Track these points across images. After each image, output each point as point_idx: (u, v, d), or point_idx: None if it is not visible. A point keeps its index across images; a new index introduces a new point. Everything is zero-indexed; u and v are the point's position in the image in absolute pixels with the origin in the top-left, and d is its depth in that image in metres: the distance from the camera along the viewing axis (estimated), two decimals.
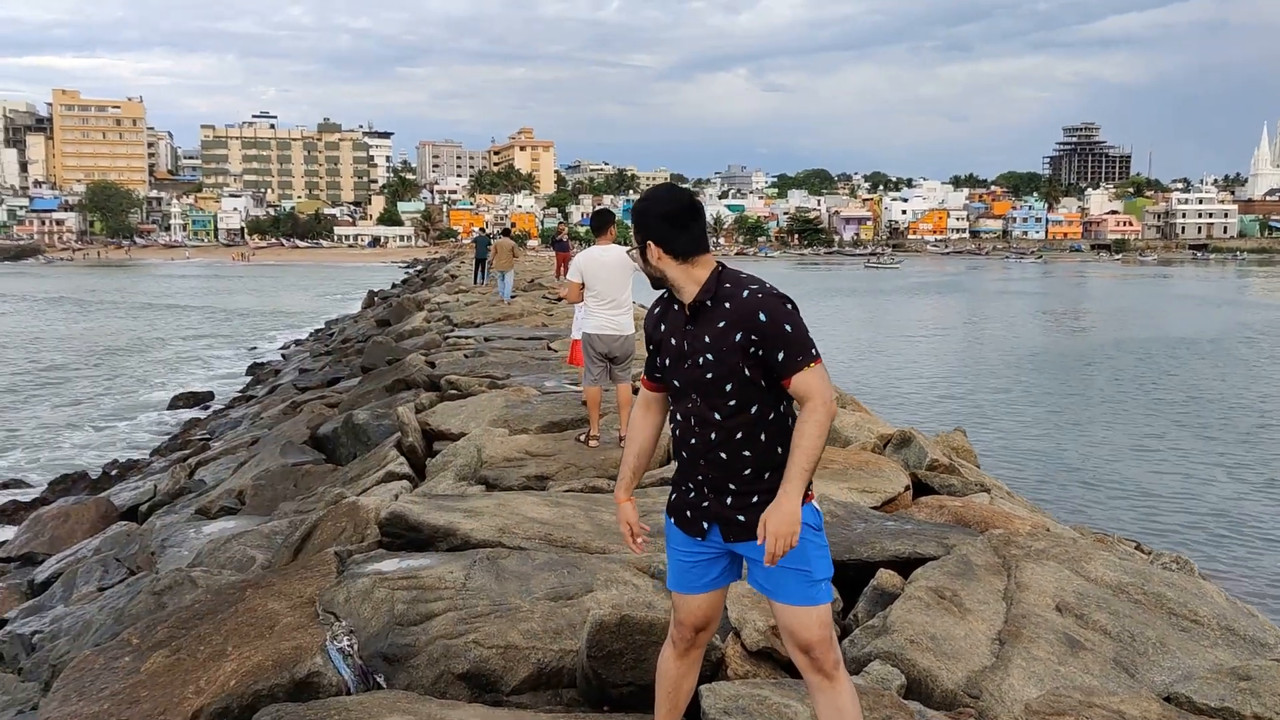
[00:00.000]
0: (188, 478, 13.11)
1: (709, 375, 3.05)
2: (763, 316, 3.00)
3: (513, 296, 25.29)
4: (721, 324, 3.04)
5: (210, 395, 25.19)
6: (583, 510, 6.39)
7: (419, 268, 78.95)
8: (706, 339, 3.05)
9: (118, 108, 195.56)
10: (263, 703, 4.21)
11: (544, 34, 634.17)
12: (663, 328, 3.20)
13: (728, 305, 3.05)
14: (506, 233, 30.64)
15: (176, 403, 24.43)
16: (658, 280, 3.20)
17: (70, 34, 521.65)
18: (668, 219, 3.13)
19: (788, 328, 3.02)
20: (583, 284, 8.31)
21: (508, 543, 5.76)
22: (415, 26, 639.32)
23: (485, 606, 4.88)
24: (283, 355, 32.70)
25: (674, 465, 3.35)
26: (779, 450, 3.12)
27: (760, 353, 3.01)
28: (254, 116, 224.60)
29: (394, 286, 57.91)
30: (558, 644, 4.62)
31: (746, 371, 3.03)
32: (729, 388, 3.04)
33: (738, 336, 3.01)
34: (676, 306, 3.17)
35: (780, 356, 3.00)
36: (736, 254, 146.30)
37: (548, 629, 4.71)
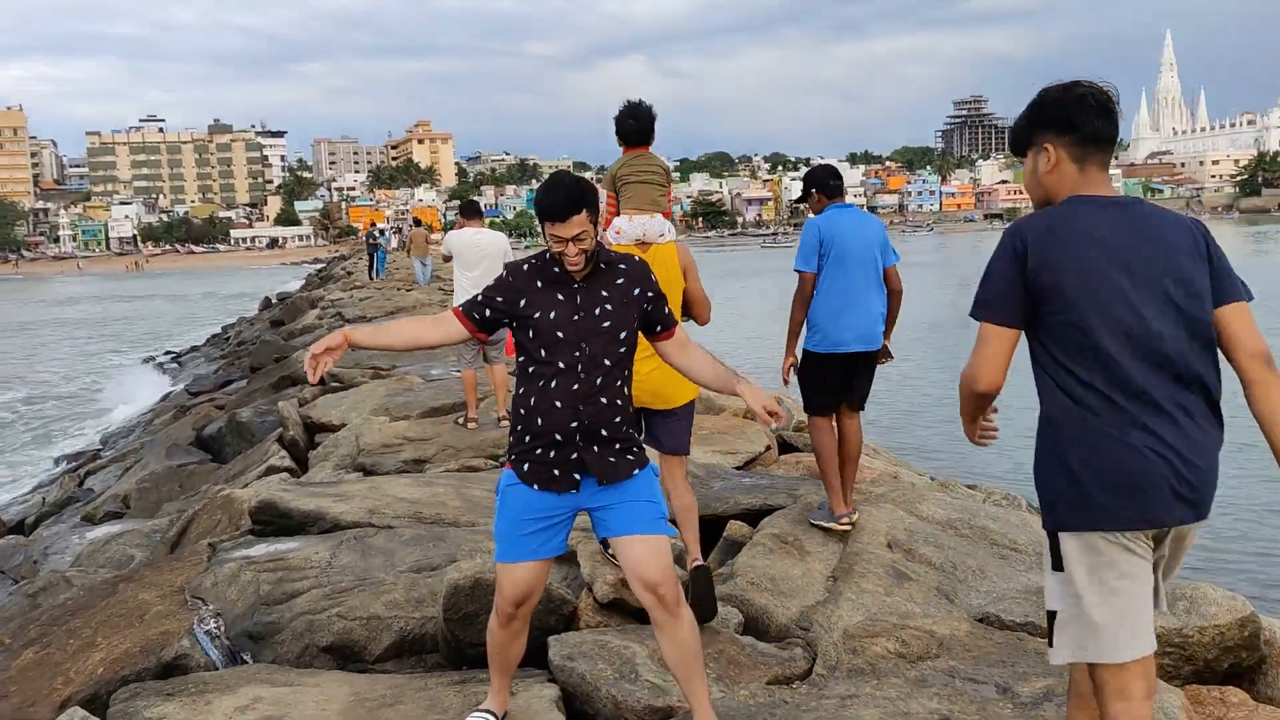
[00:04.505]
0: (77, 487, 12.95)
1: (606, 324, 3.42)
2: (652, 278, 3.55)
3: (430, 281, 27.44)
4: (620, 281, 3.48)
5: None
6: (454, 488, 6.53)
7: (320, 266, 77.56)
8: (604, 293, 3.45)
9: None
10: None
11: (439, 25, 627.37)
12: (539, 284, 3.44)
13: (623, 266, 3.52)
14: (418, 223, 32.33)
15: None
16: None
17: None
18: None
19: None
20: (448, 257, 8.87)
21: (377, 523, 5.86)
22: (304, 23, 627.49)
23: (350, 582, 5.01)
24: (178, 363, 32.04)
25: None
26: (632, 407, 3.56)
27: (649, 308, 3.52)
28: (141, 121, 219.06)
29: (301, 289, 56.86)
30: (420, 612, 4.79)
31: (636, 323, 3.50)
32: (623, 335, 3.46)
33: (635, 292, 3.48)
34: (558, 270, 3.43)
35: (666, 311, 3.56)
36: None
37: (410, 599, 4.86)
